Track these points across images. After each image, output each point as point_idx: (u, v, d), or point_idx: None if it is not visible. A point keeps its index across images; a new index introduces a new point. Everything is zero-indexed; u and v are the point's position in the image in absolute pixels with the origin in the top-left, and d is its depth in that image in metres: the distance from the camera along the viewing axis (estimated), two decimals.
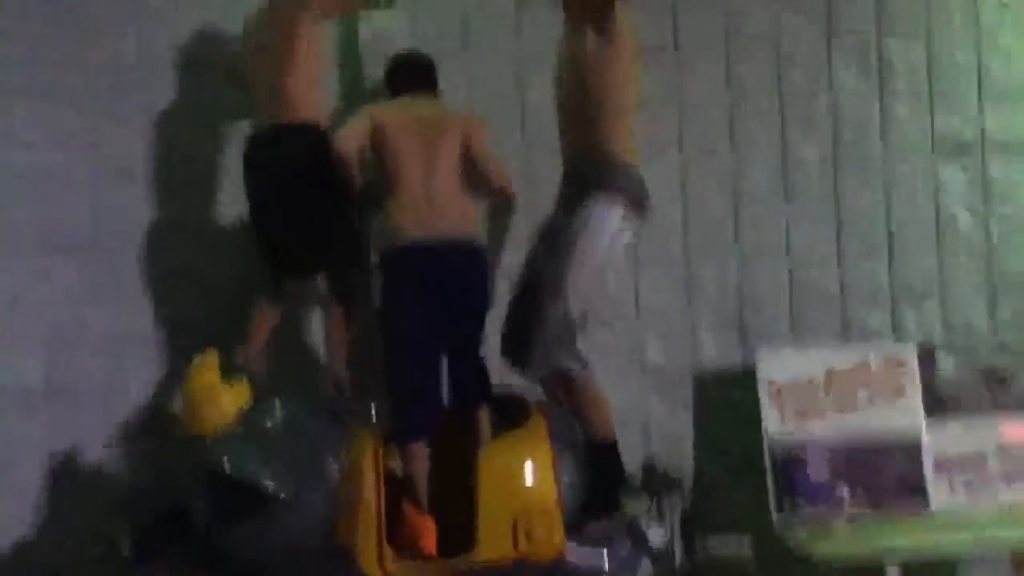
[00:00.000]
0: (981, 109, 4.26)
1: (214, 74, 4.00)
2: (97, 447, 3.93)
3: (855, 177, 4.22)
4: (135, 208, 4.02)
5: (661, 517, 3.26)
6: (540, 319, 3.33)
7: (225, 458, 3.19)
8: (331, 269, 3.76)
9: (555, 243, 3.37)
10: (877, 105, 4.24)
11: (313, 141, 3.60)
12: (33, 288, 3.99)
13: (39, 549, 3.88)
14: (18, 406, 3.93)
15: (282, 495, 3.12)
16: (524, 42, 4.04)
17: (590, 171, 3.39)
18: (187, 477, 3.43)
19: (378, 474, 3.22)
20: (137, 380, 3.98)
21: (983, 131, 4.25)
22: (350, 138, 3.49)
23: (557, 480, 3.23)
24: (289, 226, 3.64)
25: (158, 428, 3.85)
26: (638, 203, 3.41)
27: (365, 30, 4.03)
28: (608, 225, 3.33)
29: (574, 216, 3.35)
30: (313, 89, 3.69)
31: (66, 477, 3.91)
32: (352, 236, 3.72)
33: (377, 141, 3.49)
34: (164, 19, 4.00)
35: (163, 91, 4.02)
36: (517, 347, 3.45)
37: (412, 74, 3.69)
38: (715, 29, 4.17)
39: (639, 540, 3.16)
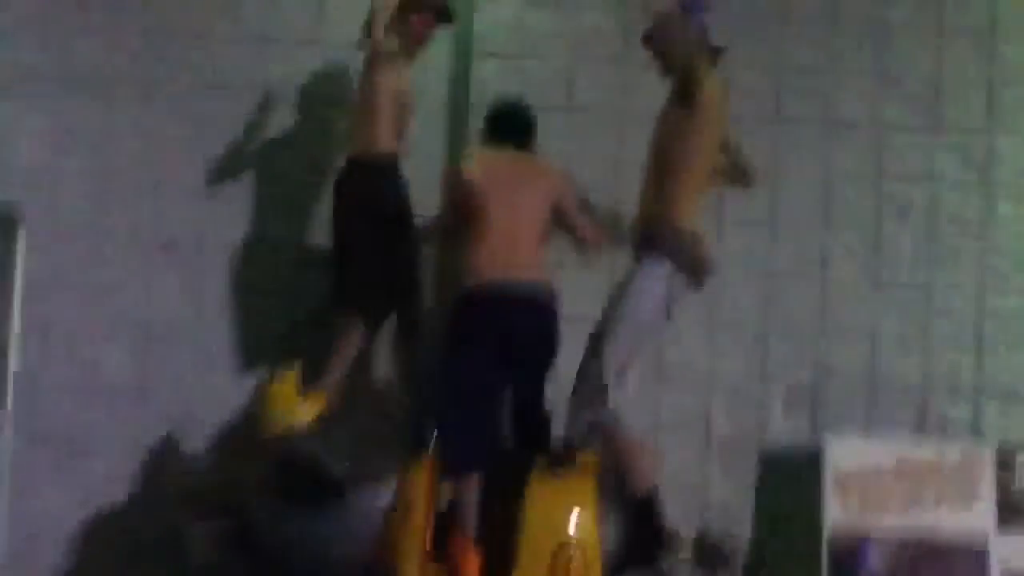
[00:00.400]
0: None
1: (320, 103, 4.23)
2: (177, 444, 4.14)
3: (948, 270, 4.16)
4: (236, 220, 4.25)
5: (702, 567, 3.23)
6: (579, 376, 3.40)
7: (297, 446, 3.39)
8: (409, 304, 3.89)
9: (610, 301, 3.45)
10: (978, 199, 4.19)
11: (389, 177, 3.79)
12: (129, 285, 4.24)
13: (117, 534, 4.10)
14: (106, 399, 4.19)
15: (343, 479, 3.32)
16: (627, 100, 4.14)
17: (647, 234, 3.46)
18: (257, 477, 3.60)
19: (429, 500, 3.32)
20: (221, 384, 4.17)
21: None
22: (468, 182, 3.60)
23: (598, 519, 3.28)
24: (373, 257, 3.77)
25: (240, 433, 4.04)
26: (692, 268, 3.42)
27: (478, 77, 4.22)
28: (654, 288, 3.37)
29: (625, 279, 3.43)
30: (391, 126, 3.83)
31: (147, 469, 4.14)
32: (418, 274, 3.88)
33: (473, 186, 3.61)
34: (275, 43, 4.25)
35: (271, 115, 4.24)
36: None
37: (513, 124, 3.82)
38: (814, 113, 4.20)
39: None
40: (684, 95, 3.36)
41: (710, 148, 3.44)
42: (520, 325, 3.47)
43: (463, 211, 3.59)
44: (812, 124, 4.22)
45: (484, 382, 3.44)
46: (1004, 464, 3.83)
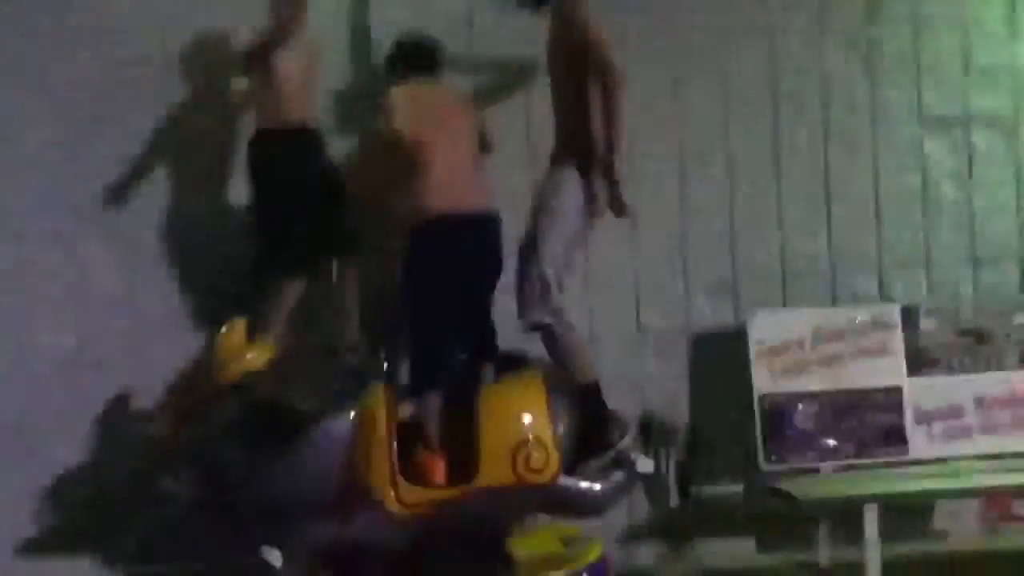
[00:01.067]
0: (966, 87, 4.51)
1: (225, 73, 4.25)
2: (130, 408, 4.20)
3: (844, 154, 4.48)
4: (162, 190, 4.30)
5: (649, 450, 3.50)
6: (521, 279, 3.62)
7: (258, 387, 3.51)
8: (345, 251, 4.04)
9: (534, 209, 3.67)
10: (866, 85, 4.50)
11: (310, 141, 3.92)
12: (61, 261, 4.23)
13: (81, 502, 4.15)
14: (53, 372, 4.21)
15: (307, 409, 3.43)
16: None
17: (563, 147, 3.68)
18: (218, 426, 3.70)
19: (390, 418, 3.50)
20: (169, 347, 4.23)
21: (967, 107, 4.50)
22: (401, 123, 3.66)
23: (551, 415, 3.50)
24: (300, 221, 3.88)
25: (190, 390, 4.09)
26: (607, 173, 3.61)
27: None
28: (575, 192, 3.59)
29: (547, 184, 3.66)
30: (303, 89, 3.93)
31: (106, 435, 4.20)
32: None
33: (408, 122, 3.69)
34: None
35: (178, 87, 4.27)
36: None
37: (427, 57, 3.95)
38: (710, 25, 4.42)
39: (629, 469, 3.41)
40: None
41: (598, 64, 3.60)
42: (473, 253, 3.66)
43: (401, 149, 3.68)
44: (709, 30, 4.42)
45: (447, 306, 3.63)
46: (909, 322, 4.19)
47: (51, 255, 4.24)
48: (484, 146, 3.94)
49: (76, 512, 4.15)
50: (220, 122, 4.29)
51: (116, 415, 4.22)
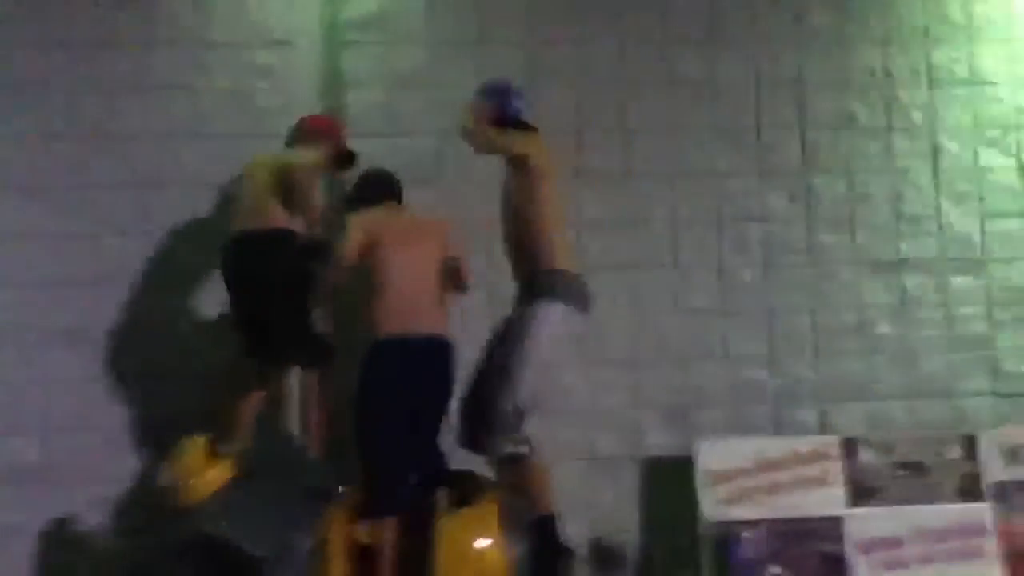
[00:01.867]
0: (898, 232, 4.84)
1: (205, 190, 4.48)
2: (88, 523, 4.23)
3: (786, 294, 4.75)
4: (129, 305, 4.44)
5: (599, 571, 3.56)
6: (491, 409, 3.71)
7: (209, 523, 3.51)
8: (310, 360, 4.15)
9: (505, 340, 3.80)
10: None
11: (287, 246, 4.04)
12: (29, 375, 4.36)
13: None
14: (14, 484, 4.26)
15: (259, 554, 3.44)
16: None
17: (535, 283, 3.85)
18: (173, 548, 3.73)
19: (348, 545, 3.56)
20: (126, 462, 4.31)
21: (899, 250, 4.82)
22: (352, 248, 3.86)
23: (505, 550, 3.57)
24: (271, 322, 3.98)
25: (148, 505, 4.15)
26: (579, 304, 3.84)
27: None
28: (551, 323, 3.76)
29: (522, 316, 3.80)
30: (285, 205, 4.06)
31: (61, 549, 4.21)
32: (318, 332, 4.13)
33: (367, 248, 3.88)
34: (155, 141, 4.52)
35: (157, 205, 4.48)
36: (471, 434, 3.82)
37: (388, 184, 4.19)
38: (665, 161, 4.74)
39: None
40: (516, 164, 3.87)
41: (554, 196, 3.88)
42: (420, 376, 3.77)
43: (360, 268, 3.84)
44: (661, 177, 4.74)
45: (396, 427, 3.71)
46: (849, 452, 4.35)
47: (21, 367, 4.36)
48: (457, 285, 4.04)
49: None
50: (195, 235, 4.46)
51: (66, 530, 4.25)
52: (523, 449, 3.67)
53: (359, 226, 3.91)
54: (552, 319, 3.75)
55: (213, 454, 3.86)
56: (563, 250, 3.86)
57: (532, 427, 3.71)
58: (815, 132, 4.86)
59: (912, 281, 4.81)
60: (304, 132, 4.33)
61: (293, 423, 4.36)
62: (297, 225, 4.06)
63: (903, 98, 4.91)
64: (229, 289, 4.07)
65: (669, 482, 4.37)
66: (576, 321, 3.85)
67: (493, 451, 3.71)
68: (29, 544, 4.22)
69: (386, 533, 3.63)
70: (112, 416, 4.35)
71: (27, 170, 4.46)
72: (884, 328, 4.76)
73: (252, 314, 3.99)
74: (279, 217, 4.03)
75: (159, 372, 4.40)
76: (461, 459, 3.87)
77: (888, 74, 4.91)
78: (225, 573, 3.52)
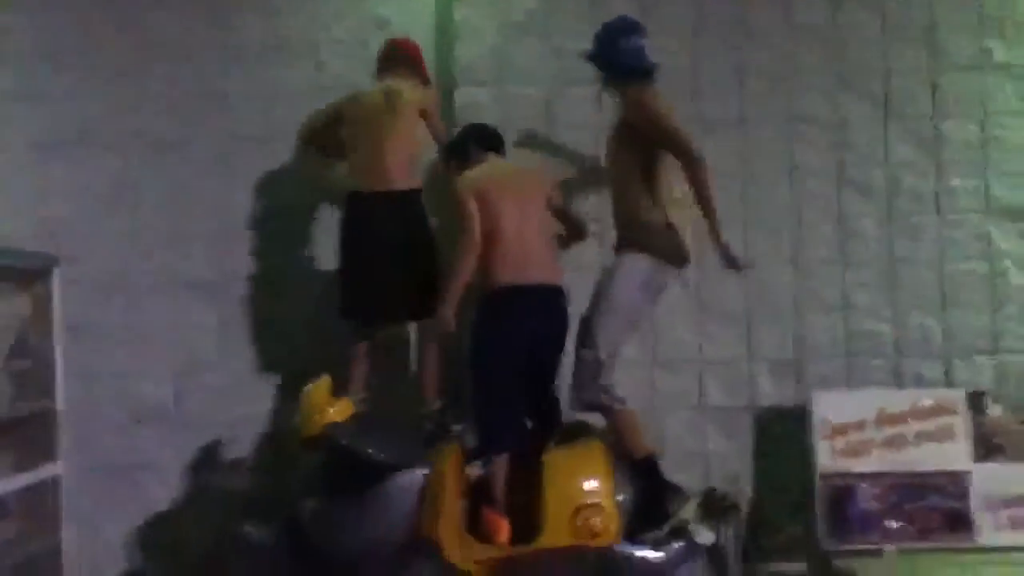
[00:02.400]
0: None
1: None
2: (222, 460, 4.51)
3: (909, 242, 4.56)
4: (254, 257, 4.66)
5: (711, 524, 3.56)
6: (575, 362, 3.78)
7: (336, 438, 3.73)
8: (426, 315, 4.25)
9: (592, 296, 3.84)
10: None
11: (413, 205, 4.19)
12: (164, 319, 4.63)
13: (174, 553, 4.45)
14: (149, 425, 4.57)
15: (383, 460, 3.64)
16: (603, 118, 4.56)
17: (623, 233, 3.86)
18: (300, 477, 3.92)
19: (459, 477, 3.68)
20: (254, 405, 4.56)
21: None
22: (476, 229, 3.86)
23: (613, 481, 3.63)
24: (390, 279, 4.14)
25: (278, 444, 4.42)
26: (669, 257, 3.80)
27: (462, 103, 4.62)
28: (633, 277, 3.75)
29: (605, 272, 3.82)
30: (414, 162, 4.28)
31: (197, 485, 4.53)
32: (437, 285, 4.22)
33: (480, 202, 3.93)
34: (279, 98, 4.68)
35: (280, 158, 4.66)
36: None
37: (490, 140, 4.22)
38: (779, 114, 4.60)
39: (688, 540, 3.48)
40: (632, 109, 3.84)
41: (659, 152, 3.81)
42: (538, 324, 3.84)
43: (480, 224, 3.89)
44: (778, 120, 4.59)
45: (512, 373, 3.79)
46: (975, 406, 4.19)
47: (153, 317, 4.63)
48: (574, 232, 4.13)
49: (166, 556, 4.42)
50: (309, 190, 4.63)
51: (205, 465, 4.51)
52: (598, 398, 3.69)
53: (470, 192, 3.92)
54: (635, 271, 3.73)
55: (335, 394, 4.00)
56: (660, 200, 3.80)
57: (613, 376, 3.71)
58: (945, 75, 4.62)
59: None
60: (406, 59, 4.36)
61: (410, 365, 4.49)
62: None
63: None
64: (354, 246, 4.20)
65: (784, 434, 4.32)
66: (668, 274, 3.81)
67: (575, 403, 3.76)
68: (163, 481, 4.52)
69: (499, 470, 3.73)
70: (238, 361, 4.59)
71: (164, 127, 4.69)
72: (1016, 278, 4.52)
73: (380, 273, 4.12)
74: (414, 175, 4.19)
75: (283, 320, 4.61)
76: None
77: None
78: (354, 477, 3.70)
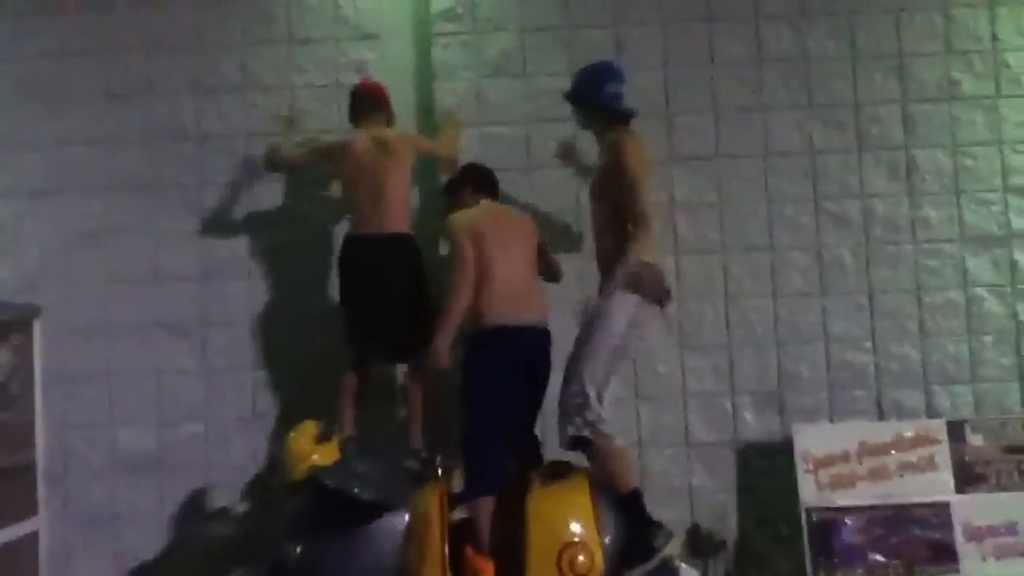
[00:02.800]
0: (1006, 204, 4.63)
1: (309, 184, 4.64)
2: (202, 506, 4.46)
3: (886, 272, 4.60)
4: (240, 298, 4.65)
5: (697, 561, 3.55)
6: (563, 399, 3.78)
7: (325, 477, 3.74)
8: (416, 355, 4.25)
9: (581, 330, 3.85)
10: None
11: (410, 249, 4.25)
12: (145, 365, 4.60)
13: None
14: (132, 472, 4.53)
15: (369, 500, 3.63)
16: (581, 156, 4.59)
17: (609, 270, 3.85)
18: (285, 520, 3.91)
19: (443, 519, 3.66)
20: (237, 449, 4.54)
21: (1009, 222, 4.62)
22: (469, 271, 3.88)
23: (597, 519, 3.63)
24: (387, 319, 4.18)
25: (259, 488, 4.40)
26: (653, 295, 3.82)
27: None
28: (622, 315, 3.76)
29: (593, 310, 3.83)
30: (406, 207, 4.33)
31: (177, 532, 4.46)
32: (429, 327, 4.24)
33: (474, 243, 3.94)
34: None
35: (261, 201, 4.68)
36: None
37: (487, 179, 4.27)
38: (755, 146, 4.64)
39: None
40: (610, 153, 3.87)
41: (641, 186, 3.80)
42: (526, 364, 3.88)
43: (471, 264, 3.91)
44: (751, 155, 4.65)
45: (502, 411, 3.81)
46: (955, 436, 4.22)
47: (133, 361, 4.60)
48: (551, 275, 4.21)
49: None
50: (290, 230, 4.64)
51: (189, 513, 4.48)
52: (584, 433, 3.69)
53: (465, 233, 3.95)
54: (624, 309, 3.76)
55: (320, 439, 3.99)
56: (645, 240, 3.82)
57: (604, 413, 3.72)
58: (916, 105, 4.69)
59: (1022, 256, 4.60)
60: (377, 103, 4.43)
61: (397, 409, 4.49)
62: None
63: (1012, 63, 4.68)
64: (353, 283, 4.24)
65: (768, 468, 4.33)
66: (652, 312, 3.84)
67: (561, 436, 3.76)
68: (146, 530, 4.47)
69: (484, 510, 3.73)
70: (223, 407, 4.57)
71: (140, 169, 4.68)
72: (992, 306, 4.58)
73: (379, 312, 4.16)
74: (406, 219, 4.28)
75: (268, 362, 4.59)
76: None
77: (995, 38, 4.70)
78: (336, 519, 3.70)
